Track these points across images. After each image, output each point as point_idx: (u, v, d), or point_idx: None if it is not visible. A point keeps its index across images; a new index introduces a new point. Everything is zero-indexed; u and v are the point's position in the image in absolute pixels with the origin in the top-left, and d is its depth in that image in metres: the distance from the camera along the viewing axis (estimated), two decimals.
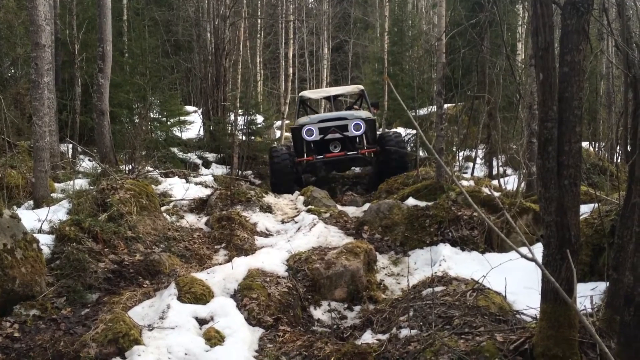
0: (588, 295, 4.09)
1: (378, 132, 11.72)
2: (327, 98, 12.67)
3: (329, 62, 26.02)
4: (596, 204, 5.20)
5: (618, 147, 10.17)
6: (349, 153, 10.00)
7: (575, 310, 2.24)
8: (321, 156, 10.02)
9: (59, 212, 6.02)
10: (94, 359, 3.70)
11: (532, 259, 1.76)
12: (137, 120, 11.88)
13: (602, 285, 4.30)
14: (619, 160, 9.42)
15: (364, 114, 10.66)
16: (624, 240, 3.48)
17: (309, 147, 10.18)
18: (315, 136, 10.01)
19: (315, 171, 10.78)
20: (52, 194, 7.15)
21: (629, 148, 3.94)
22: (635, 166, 3.19)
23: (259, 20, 20.67)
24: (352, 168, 12.74)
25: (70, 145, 10.89)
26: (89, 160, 10.34)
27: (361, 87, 12.11)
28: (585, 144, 13.31)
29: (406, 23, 18.79)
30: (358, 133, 10.00)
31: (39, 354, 3.86)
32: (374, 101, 12.01)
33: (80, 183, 7.38)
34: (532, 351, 3.33)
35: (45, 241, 5.25)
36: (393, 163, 10.03)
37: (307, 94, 12.53)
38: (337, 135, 10.03)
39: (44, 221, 5.71)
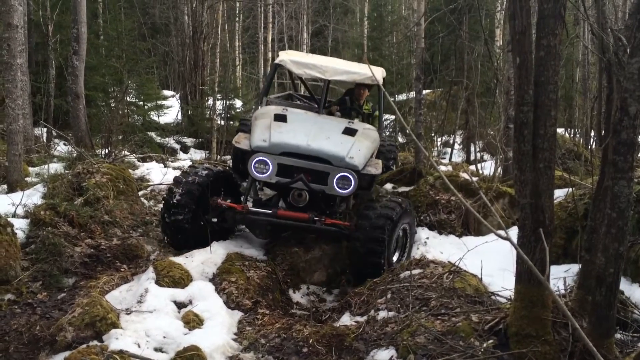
0: (561, 276, 4.18)
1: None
2: (321, 80, 7.00)
3: (309, 47, 25.83)
4: (570, 188, 5.30)
5: (592, 133, 10.34)
6: (315, 219, 5.31)
7: (548, 289, 2.30)
8: (269, 211, 5.40)
9: (33, 197, 5.92)
10: (70, 342, 3.66)
11: (507, 238, 1.79)
12: (113, 104, 11.71)
13: (575, 267, 4.39)
14: (593, 146, 9.60)
15: (362, 152, 5.65)
16: (596, 222, 3.56)
17: (254, 186, 5.74)
18: (270, 175, 5.38)
19: (252, 229, 5.97)
20: (27, 178, 7.03)
21: (602, 132, 4.01)
22: (608, 149, 3.25)
23: (237, 4, 20.41)
24: None
25: (45, 129, 10.70)
26: (64, 144, 10.17)
27: (382, 72, 7.38)
28: (561, 130, 13.52)
29: (385, 8, 18.80)
30: (343, 193, 5.40)
31: (15, 338, 3.81)
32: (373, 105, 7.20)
33: (55, 167, 7.26)
34: (507, 331, 3.41)
35: (20, 225, 5.16)
36: (359, 256, 5.31)
37: (289, 63, 6.51)
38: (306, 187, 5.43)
39: (18, 205, 5.61)
